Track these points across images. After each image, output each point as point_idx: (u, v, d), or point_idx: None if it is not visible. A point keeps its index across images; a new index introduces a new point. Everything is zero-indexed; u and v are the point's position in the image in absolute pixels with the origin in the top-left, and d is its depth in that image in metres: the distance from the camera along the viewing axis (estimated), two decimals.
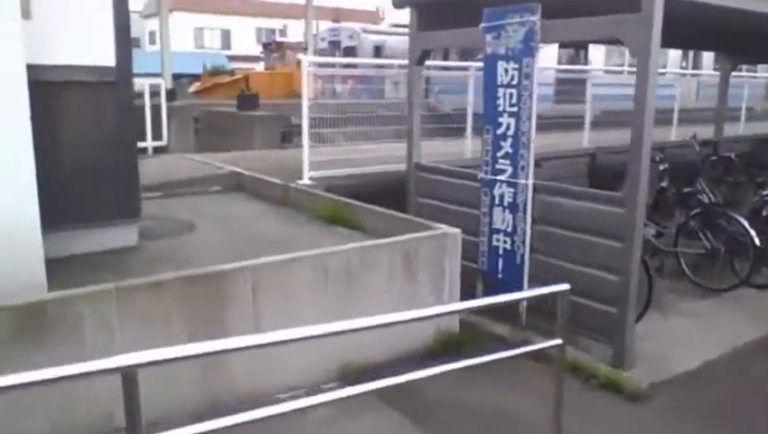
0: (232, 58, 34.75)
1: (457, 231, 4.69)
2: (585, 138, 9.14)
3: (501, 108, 4.86)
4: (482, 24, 4.85)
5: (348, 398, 4.01)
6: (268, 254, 4.42)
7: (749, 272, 5.77)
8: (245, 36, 41.50)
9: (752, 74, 14.81)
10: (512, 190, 4.90)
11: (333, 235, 5.41)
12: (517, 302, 2.44)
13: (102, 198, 4.74)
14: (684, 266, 6.17)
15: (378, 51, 22.64)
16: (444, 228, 4.69)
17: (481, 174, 5.15)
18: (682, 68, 21.10)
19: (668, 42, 4.41)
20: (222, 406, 3.62)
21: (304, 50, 22.16)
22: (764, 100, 17.65)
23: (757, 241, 5.63)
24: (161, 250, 4.98)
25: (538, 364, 4.53)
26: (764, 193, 6.95)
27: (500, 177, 4.98)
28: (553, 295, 2.61)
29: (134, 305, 3.51)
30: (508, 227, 5.00)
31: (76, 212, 4.55)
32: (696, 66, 21.47)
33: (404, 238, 4.48)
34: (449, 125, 8.49)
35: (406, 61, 6.05)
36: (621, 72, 16.98)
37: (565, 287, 2.57)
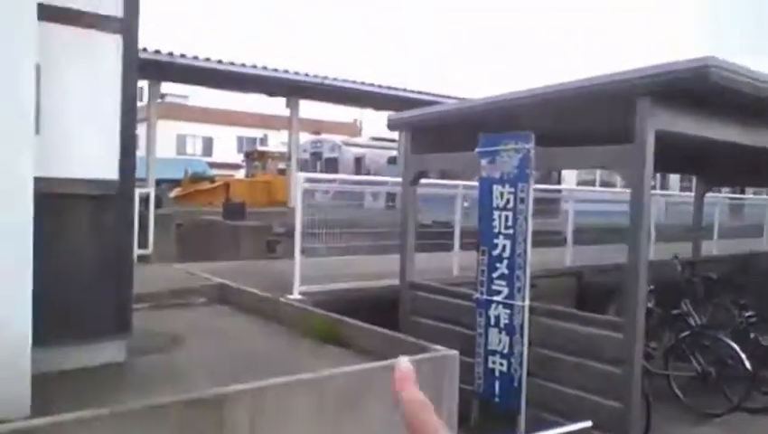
0: (213, 165, 35.34)
1: (455, 352, 4.64)
2: (568, 256, 9.31)
3: (496, 230, 4.97)
4: (478, 149, 5.06)
5: None
6: (262, 374, 4.32)
7: (743, 396, 5.76)
8: (226, 144, 42.45)
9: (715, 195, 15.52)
10: (509, 311, 4.93)
11: (326, 354, 5.32)
12: None
13: (95, 313, 4.63)
14: (676, 389, 6.15)
15: (358, 162, 23.28)
16: (441, 349, 4.65)
17: (476, 295, 5.18)
18: (652, 187, 21.92)
19: (656, 168, 4.64)
20: None
21: (288, 160, 22.66)
22: (729, 218, 18.37)
23: (749, 366, 5.67)
24: (150, 367, 4.83)
25: None
26: (747, 314, 7.08)
27: (495, 298, 5.02)
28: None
29: (129, 430, 3.35)
30: (504, 348, 4.98)
31: (67, 326, 4.42)
32: (663, 186, 22.39)
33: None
34: (431, 240, 8.62)
35: (399, 179, 6.25)
36: (593, 189, 17.61)
37: (587, 424, 2.54)
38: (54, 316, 4.02)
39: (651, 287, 6.66)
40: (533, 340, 4.84)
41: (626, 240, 4.29)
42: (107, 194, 4.57)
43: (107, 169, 4.57)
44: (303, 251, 6.85)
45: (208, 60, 13.67)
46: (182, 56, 13.33)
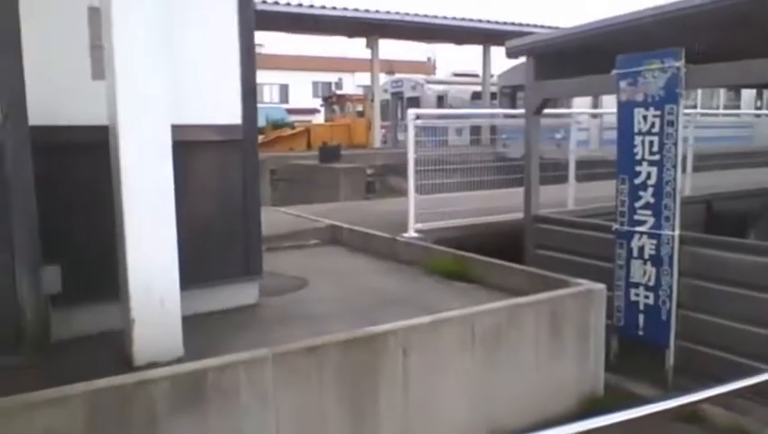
0: (290, 111, 35.66)
1: (602, 286, 4.42)
2: (687, 184, 8.75)
3: (639, 157, 4.63)
4: (616, 71, 4.67)
5: None
6: (395, 311, 4.25)
7: None
8: (302, 89, 42.60)
9: None
10: (655, 242, 4.62)
11: (455, 291, 5.20)
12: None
13: (227, 256, 4.66)
14: None
15: (441, 100, 22.78)
16: (587, 283, 4.42)
17: (616, 226, 4.89)
18: (757, 108, 20.50)
19: None
20: None
21: (371, 101, 22.46)
22: None
23: None
24: (283, 308, 4.86)
25: (688, 427, 4.21)
26: None
27: (639, 228, 4.71)
28: None
29: (288, 370, 3.34)
30: (650, 281, 4.70)
31: (201, 269, 4.45)
32: None
33: (550, 295, 4.23)
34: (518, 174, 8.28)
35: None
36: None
37: None
38: (190, 261, 4.04)
39: None
40: (684, 271, 4.53)
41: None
42: (234, 139, 4.53)
43: (233, 115, 4.52)
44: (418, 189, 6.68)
45: (288, 4, 13.50)
46: (264, 2, 13.21)
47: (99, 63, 3.69)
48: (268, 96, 41.12)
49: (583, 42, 4.97)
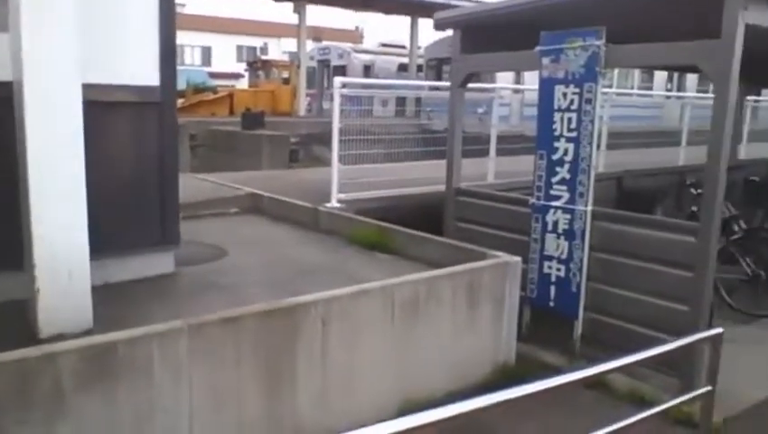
0: (212, 75, 34.57)
1: (518, 259, 4.54)
2: (601, 161, 9.10)
3: (557, 133, 4.75)
4: (539, 47, 4.75)
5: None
6: (316, 282, 4.24)
7: None
8: (225, 53, 41.27)
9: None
10: (569, 216, 4.78)
11: (376, 262, 5.23)
12: (668, 351, 2.28)
13: (142, 223, 4.50)
14: (723, 292, 6.12)
15: (367, 70, 22.64)
16: (504, 256, 4.54)
17: (532, 200, 5.02)
18: (667, 90, 21.46)
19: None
20: None
21: (297, 68, 22.04)
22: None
23: None
24: (200, 278, 4.74)
25: (592, 393, 4.44)
26: None
27: (554, 203, 4.86)
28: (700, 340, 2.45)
29: (204, 343, 3.27)
30: (562, 254, 4.87)
31: (113, 237, 4.27)
32: (679, 88, 21.85)
33: (469, 267, 4.31)
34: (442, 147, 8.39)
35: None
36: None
37: (718, 331, 2.43)
38: (101, 228, 3.86)
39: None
40: (595, 245, 4.72)
41: (705, 142, 4.08)
42: (151, 101, 4.34)
43: (150, 76, 4.32)
44: (339, 159, 6.63)
45: None
46: None
47: (3, 15, 3.43)
48: (189, 58, 39.63)
49: (509, 17, 5.02)
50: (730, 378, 4.75)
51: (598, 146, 9.21)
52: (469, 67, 5.46)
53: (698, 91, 19.37)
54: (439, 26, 5.67)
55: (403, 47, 24.18)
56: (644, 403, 4.25)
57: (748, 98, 10.30)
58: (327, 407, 3.67)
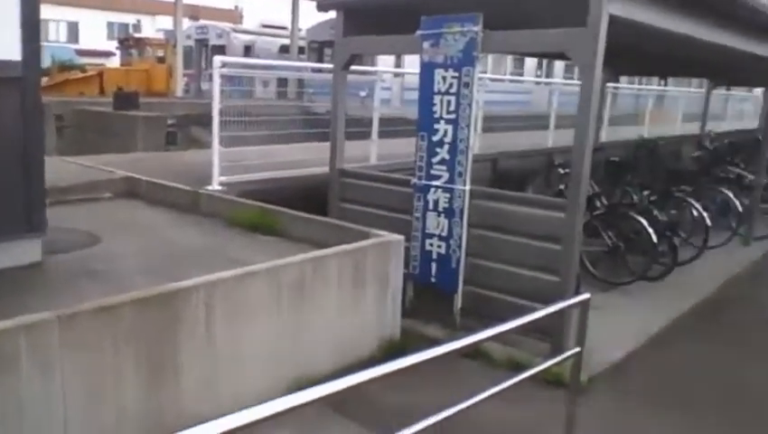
0: (81, 52, 32.39)
1: (400, 237, 4.66)
2: (477, 143, 9.47)
3: (437, 115, 4.89)
4: (419, 32, 4.85)
5: (302, 413, 3.89)
6: (197, 267, 4.14)
7: (646, 267, 6.29)
8: (94, 30, 38.70)
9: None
10: (448, 195, 4.96)
11: (259, 244, 5.18)
12: (539, 318, 2.43)
13: (3, 210, 4.18)
14: (587, 263, 6.59)
15: (248, 50, 22.09)
16: (387, 235, 4.64)
17: (414, 180, 5.16)
18: (537, 76, 22.65)
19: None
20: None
21: (173, 47, 21.08)
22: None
23: (655, 239, 6.15)
24: (71, 266, 4.49)
25: (472, 363, 4.68)
26: (646, 193, 7.63)
27: (435, 183, 5.02)
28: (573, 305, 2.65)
29: (77, 334, 3.11)
30: (442, 231, 5.05)
31: None
32: (548, 75, 23.11)
33: (354, 246, 4.37)
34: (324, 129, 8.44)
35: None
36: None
37: (586, 296, 2.63)
38: None
39: (566, 170, 6.97)
40: (473, 222, 4.93)
41: (571, 125, 4.37)
42: (12, 77, 4.01)
43: (10, 50, 3.99)
44: (220, 141, 6.46)
45: None
46: None
47: None
48: (54, 34, 36.78)
49: (391, 0, 5.09)
50: (594, 341, 5.16)
51: (475, 129, 9.63)
52: (351, 49, 5.48)
53: (565, 78, 20.62)
54: (322, 7, 5.65)
55: (285, 28, 23.79)
56: (520, 368, 4.52)
57: (609, 84, 11.09)
58: (215, 393, 3.61)
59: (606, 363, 4.81)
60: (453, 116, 4.79)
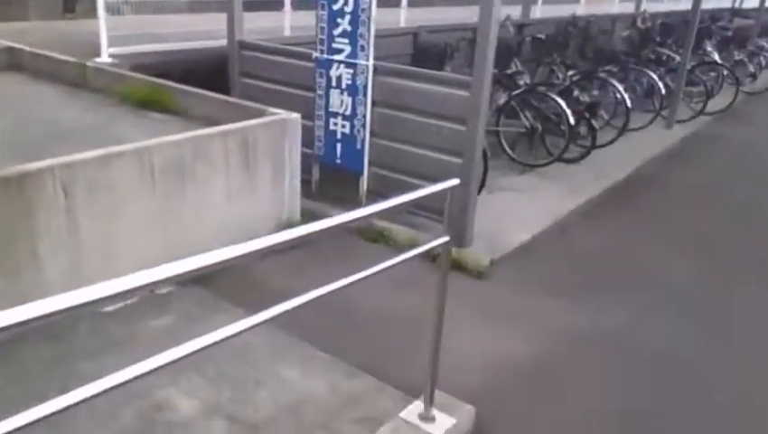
0: None
1: (297, 116, 4.32)
2: (402, 17, 8.94)
3: None
4: None
5: (187, 298, 3.70)
6: (76, 146, 3.73)
7: (563, 149, 6.17)
8: None
9: None
10: (351, 71, 4.59)
11: (148, 122, 4.75)
12: (411, 202, 2.25)
13: None
14: (505, 144, 6.44)
15: None
16: (282, 113, 4.29)
17: (315, 54, 4.74)
18: None
19: None
20: None
21: None
22: None
23: (572, 120, 5.99)
24: None
25: (377, 246, 4.56)
26: (571, 73, 7.40)
27: (337, 57, 4.62)
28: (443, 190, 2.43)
29: None
30: (346, 110, 4.73)
31: None
32: None
33: (241, 125, 4.02)
34: None
35: None
36: None
37: (454, 182, 2.41)
38: None
39: None
40: (377, 101, 4.61)
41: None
42: None
43: None
44: (109, 8, 5.80)
45: None
46: None
47: None
48: None
49: None
50: (504, 223, 5.12)
51: (399, 3, 9.06)
52: None
53: None
54: None
55: None
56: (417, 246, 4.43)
57: None
58: (82, 281, 3.34)
59: (512, 245, 4.76)
60: None
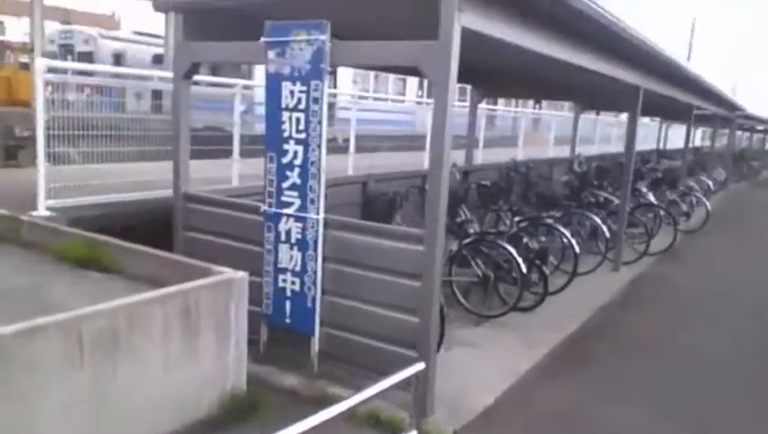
0: None
1: (244, 274, 4.07)
2: (350, 164, 9.06)
3: (286, 134, 4.38)
4: (264, 39, 4.33)
5: None
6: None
7: (517, 298, 6.06)
8: None
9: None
10: (301, 225, 4.45)
11: (87, 282, 4.42)
12: (376, 394, 1.99)
13: None
14: (458, 294, 6.30)
15: (118, 59, 20.65)
16: (228, 272, 4.04)
17: (264, 207, 4.61)
18: (419, 96, 22.77)
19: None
20: None
21: (31, 51, 19.26)
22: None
23: (524, 268, 5.93)
24: None
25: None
26: (517, 219, 7.49)
27: (286, 211, 4.49)
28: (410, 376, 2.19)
29: None
30: (296, 266, 4.52)
31: None
32: (429, 95, 23.29)
33: (183, 287, 3.74)
34: (205, 146, 7.75)
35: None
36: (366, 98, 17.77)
37: (420, 367, 2.19)
38: None
39: None
40: (328, 256, 4.44)
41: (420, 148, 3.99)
42: None
43: None
44: (50, 157, 5.62)
45: None
46: None
47: None
48: None
49: (234, 2, 4.53)
50: (466, 384, 4.82)
51: (348, 150, 9.22)
52: (192, 56, 4.87)
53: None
54: (159, 8, 5.00)
55: (160, 37, 22.49)
56: (380, 422, 4.06)
57: (483, 106, 11.04)
58: None
59: (476, 410, 4.46)
60: (303, 135, 4.31)
